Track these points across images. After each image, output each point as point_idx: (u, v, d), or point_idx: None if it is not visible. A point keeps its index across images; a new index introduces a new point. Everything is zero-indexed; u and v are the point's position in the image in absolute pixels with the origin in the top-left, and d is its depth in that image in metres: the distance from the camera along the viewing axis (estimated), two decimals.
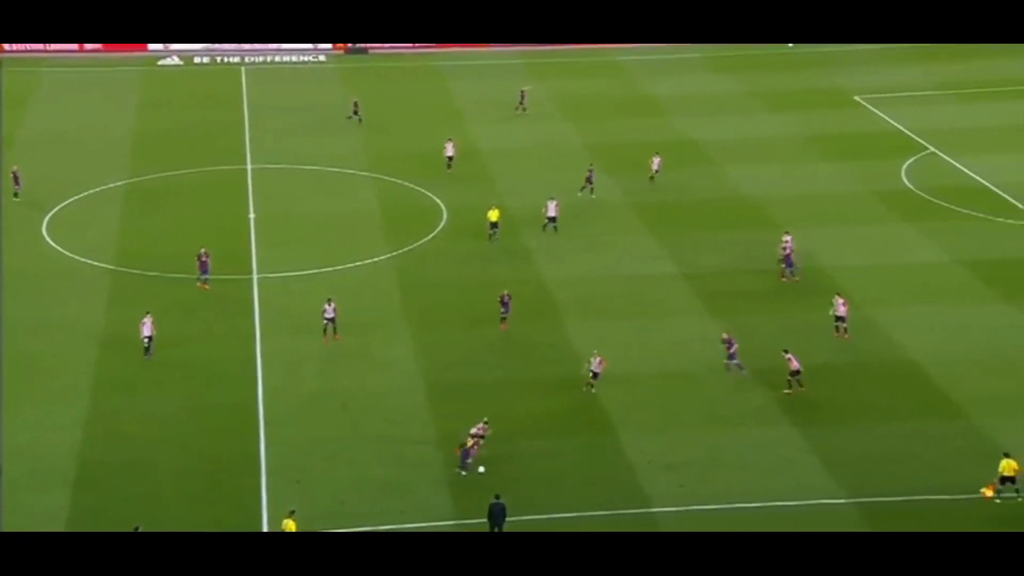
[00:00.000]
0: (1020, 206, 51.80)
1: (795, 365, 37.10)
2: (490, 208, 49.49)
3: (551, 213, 49.30)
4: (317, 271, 46.46)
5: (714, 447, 34.95)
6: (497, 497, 31.19)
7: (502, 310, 41.56)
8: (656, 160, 54.74)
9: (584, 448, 34.91)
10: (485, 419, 34.50)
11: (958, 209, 51.61)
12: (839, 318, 40.74)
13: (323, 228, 50.74)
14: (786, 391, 37.05)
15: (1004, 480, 32.16)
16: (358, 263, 47.25)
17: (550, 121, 64.57)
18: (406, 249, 48.54)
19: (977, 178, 55.32)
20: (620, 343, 40.46)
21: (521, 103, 65.61)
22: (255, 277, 45.86)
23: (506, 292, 42.02)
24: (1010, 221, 50.47)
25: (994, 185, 54.29)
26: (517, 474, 33.65)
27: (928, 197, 53.28)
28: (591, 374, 37.50)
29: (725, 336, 38.79)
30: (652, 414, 36.60)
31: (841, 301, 40.95)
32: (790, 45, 74.51)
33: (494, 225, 48.75)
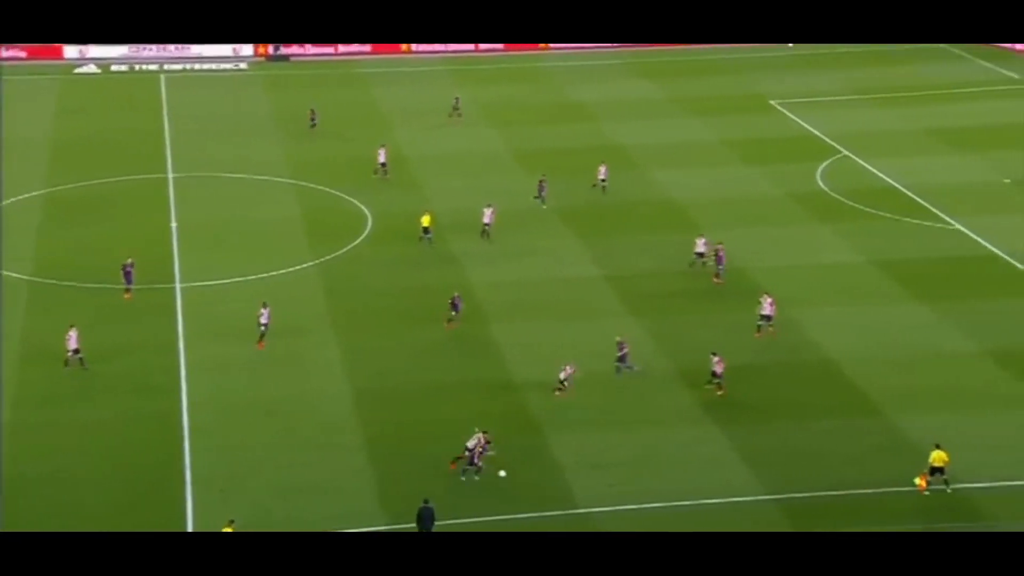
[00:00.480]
0: (929, 207, 53.18)
1: (719, 368, 37.58)
2: (422, 213, 49.50)
3: (486, 220, 49.54)
4: (241, 279, 46.15)
5: (641, 447, 35.37)
6: (426, 501, 31.28)
7: (452, 312, 41.68)
8: (602, 168, 55.05)
9: (513, 450, 35.11)
10: (482, 431, 34.14)
11: (870, 211, 52.86)
12: (765, 317, 41.45)
13: (246, 236, 50.41)
14: (719, 393, 37.47)
15: (934, 471, 32.82)
16: (282, 270, 47.02)
17: (476, 127, 64.78)
18: (331, 256, 48.40)
19: (888, 180, 56.68)
20: (548, 346, 40.77)
21: (456, 109, 65.73)
22: (178, 286, 45.42)
23: (457, 294, 42.19)
24: (920, 222, 51.79)
25: (904, 187, 55.67)
26: (445, 478, 33.74)
27: (842, 199, 54.47)
28: (560, 381, 37.62)
29: (619, 339, 39.08)
30: (580, 415, 36.95)
31: (769, 300, 41.70)
32: (707, 47, 75.51)
33: (426, 230, 48.80)
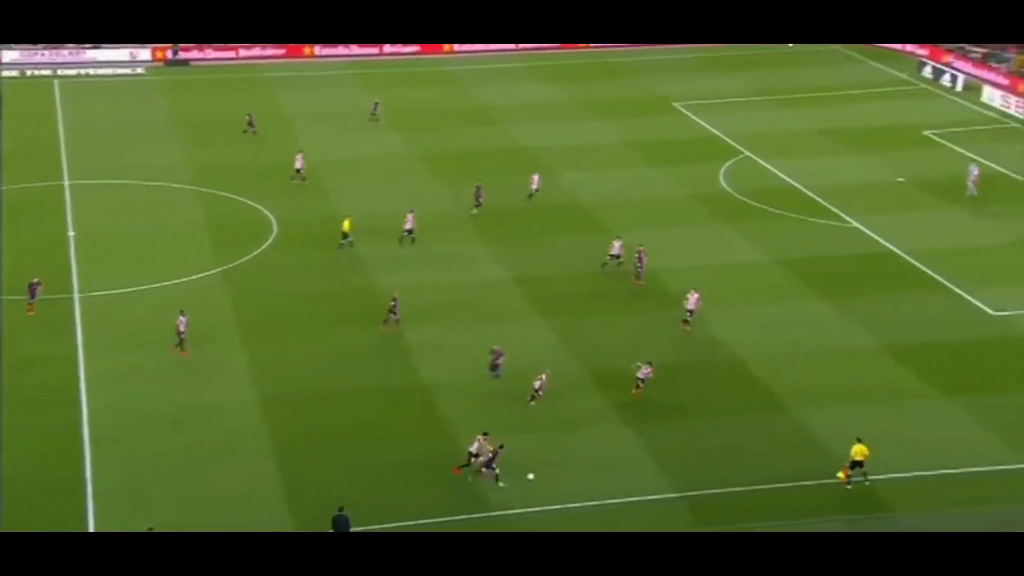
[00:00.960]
0: (828, 206, 54.32)
1: (643, 373, 37.60)
2: (341, 218, 49.09)
3: (408, 225, 49.19)
4: (142, 287, 45.26)
5: (554, 449, 35.49)
6: (340, 509, 30.99)
7: (391, 315, 41.50)
8: (535, 177, 54.85)
9: (424, 456, 34.99)
10: (481, 434, 34.09)
11: (773, 210, 53.80)
12: (689, 311, 41.97)
13: (147, 244, 49.44)
14: (634, 391, 37.63)
15: (854, 464, 33.41)
16: (186, 278, 46.22)
17: (383, 132, 64.47)
18: (236, 263, 47.72)
19: (788, 180, 57.76)
20: (459, 349, 40.71)
21: (374, 114, 65.26)
22: (76, 296, 44.35)
23: (395, 296, 42.01)
24: (820, 221, 52.88)
25: (804, 187, 56.77)
26: (357, 484, 33.49)
27: (745, 199, 55.37)
28: (535, 390, 37.12)
29: (495, 348, 38.64)
30: (491, 419, 36.95)
31: (695, 296, 42.14)
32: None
33: (346, 235, 48.42)
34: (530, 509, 32.47)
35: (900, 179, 57.59)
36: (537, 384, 37.39)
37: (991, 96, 70.22)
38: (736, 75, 76.87)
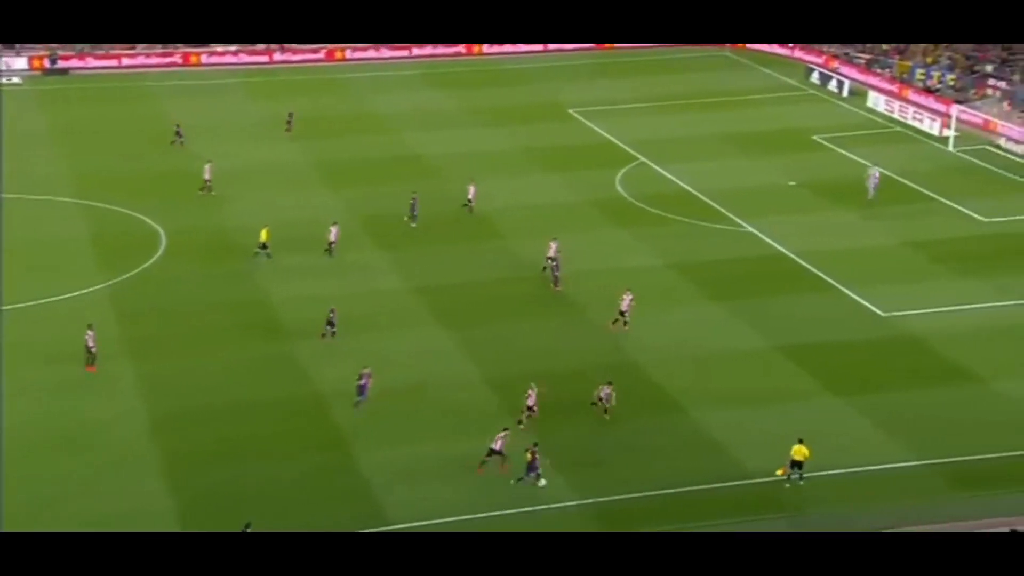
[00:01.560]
0: (722, 210, 55.30)
1: (531, 401, 37.21)
2: (260, 228, 48.67)
3: (332, 238, 48.66)
4: (25, 304, 44.01)
5: (451, 458, 35.43)
6: (247, 526, 30.57)
7: (330, 327, 41.17)
8: (471, 188, 54.50)
9: (317, 468, 34.68)
10: (503, 429, 34.26)
11: (668, 215, 54.57)
12: (622, 312, 42.49)
13: (28, 259, 48.11)
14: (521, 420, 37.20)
15: (794, 464, 34.06)
16: (70, 294, 45.09)
17: (277, 141, 63.80)
18: (123, 277, 46.72)
19: (683, 185, 58.67)
20: (354, 359, 40.43)
21: (289, 123, 64.14)
22: None
23: (332, 309, 41.76)
24: (714, 225, 53.80)
25: (698, 191, 57.71)
26: (252, 499, 33.02)
27: (640, 204, 56.08)
28: (528, 407, 36.61)
29: (364, 371, 37.61)
30: (389, 429, 36.77)
31: (629, 297, 42.68)
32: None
33: (263, 245, 47.88)
34: (422, 523, 32.32)
35: (792, 183, 58.91)
36: (530, 401, 36.87)
37: (876, 101, 72.31)
38: (629, 81, 77.82)
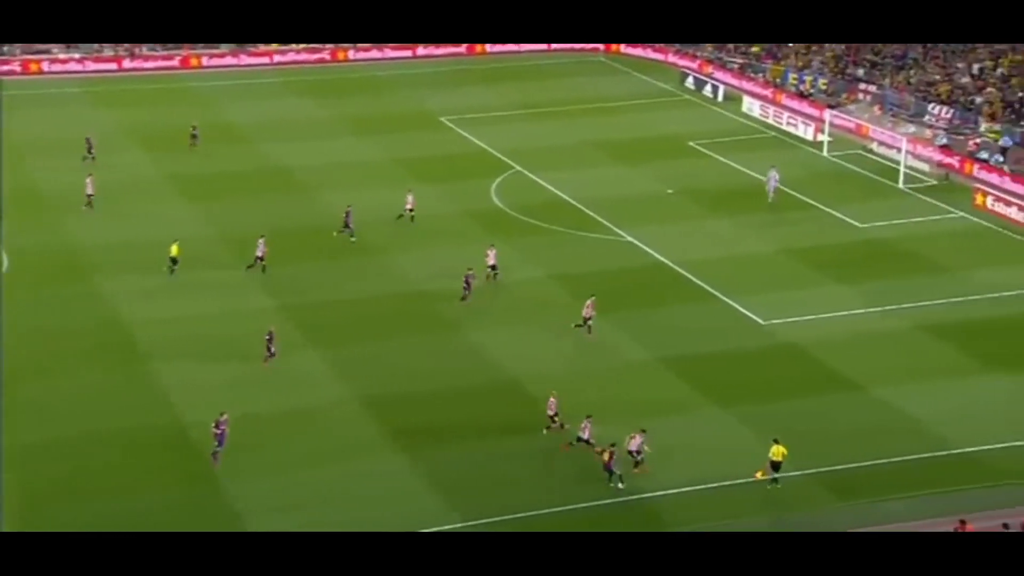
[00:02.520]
0: (600, 219, 55.75)
1: (552, 410, 37.16)
2: (170, 243, 47.73)
3: (259, 252, 47.83)
4: None
5: (326, 484, 34.88)
6: None
7: (268, 351, 40.53)
8: (410, 197, 53.75)
9: (183, 502, 33.77)
10: (588, 416, 35.48)
11: (545, 225, 54.80)
12: (586, 319, 43.15)
13: None
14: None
15: (773, 465, 34.93)
16: None
17: (127, 153, 62.23)
18: None
19: (560, 194, 59.00)
20: (211, 385, 39.55)
21: (193, 136, 62.41)
22: None
23: (271, 329, 41.04)
24: (593, 235, 54.22)
25: (575, 200, 58.13)
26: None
27: (517, 215, 56.23)
28: (550, 417, 37.12)
29: (222, 417, 36.10)
30: (254, 458, 36.02)
31: (589, 303, 43.17)
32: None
33: (174, 260, 46.96)
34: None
35: (669, 191, 59.75)
36: (551, 412, 37.09)
37: (750, 106, 73.91)
38: (501, 87, 78.10)
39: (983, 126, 67.40)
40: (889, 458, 36.88)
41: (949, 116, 69.09)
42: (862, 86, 74.32)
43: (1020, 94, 68.75)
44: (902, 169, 61.36)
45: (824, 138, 66.75)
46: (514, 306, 46.80)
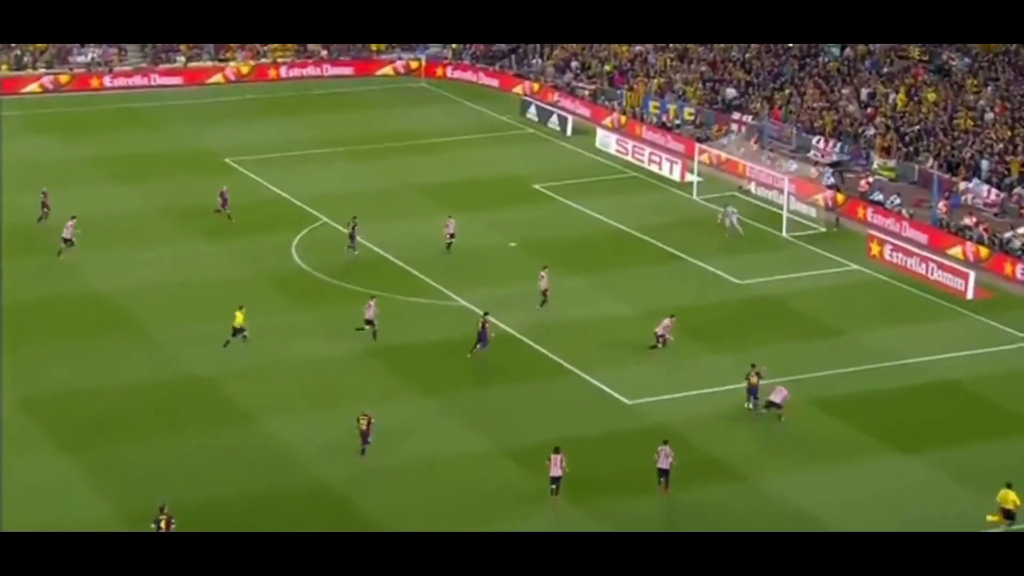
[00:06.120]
0: (429, 281, 56.06)
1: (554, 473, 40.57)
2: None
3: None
4: None
5: None
6: None
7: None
8: (451, 222, 57.55)
9: None
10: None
11: (359, 289, 54.35)
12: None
13: None
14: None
15: (1006, 513, 38.00)
16: None
17: None
18: None
19: (378, 251, 59.03)
20: None
21: (45, 211, 60.75)
22: None
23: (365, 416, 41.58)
24: (418, 299, 54.40)
25: (396, 258, 58.28)
26: None
27: (325, 278, 56.15)
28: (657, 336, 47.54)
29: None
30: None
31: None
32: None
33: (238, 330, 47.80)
34: None
35: (511, 244, 60.67)
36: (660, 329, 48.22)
37: (605, 141, 75.71)
38: (301, 120, 78.51)
39: (876, 162, 70.65)
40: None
41: (836, 151, 72.25)
42: (735, 115, 77.03)
43: (917, 126, 72.19)
44: (785, 214, 63.69)
45: (693, 178, 68.86)
46: (312, 388, 46.84)
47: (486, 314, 49.36)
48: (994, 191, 65.37)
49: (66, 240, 56.49)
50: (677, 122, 77.84)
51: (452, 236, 58.90)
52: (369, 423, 41.81)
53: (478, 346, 48.74)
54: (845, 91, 77.29)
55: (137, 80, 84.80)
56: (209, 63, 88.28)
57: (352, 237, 57.87)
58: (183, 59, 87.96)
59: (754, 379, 45.48)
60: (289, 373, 47.78)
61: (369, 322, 49.46)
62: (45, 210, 60.24)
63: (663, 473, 40.75)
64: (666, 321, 49.79)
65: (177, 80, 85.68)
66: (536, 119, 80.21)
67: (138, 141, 73.42)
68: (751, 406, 45.49)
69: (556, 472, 40.13)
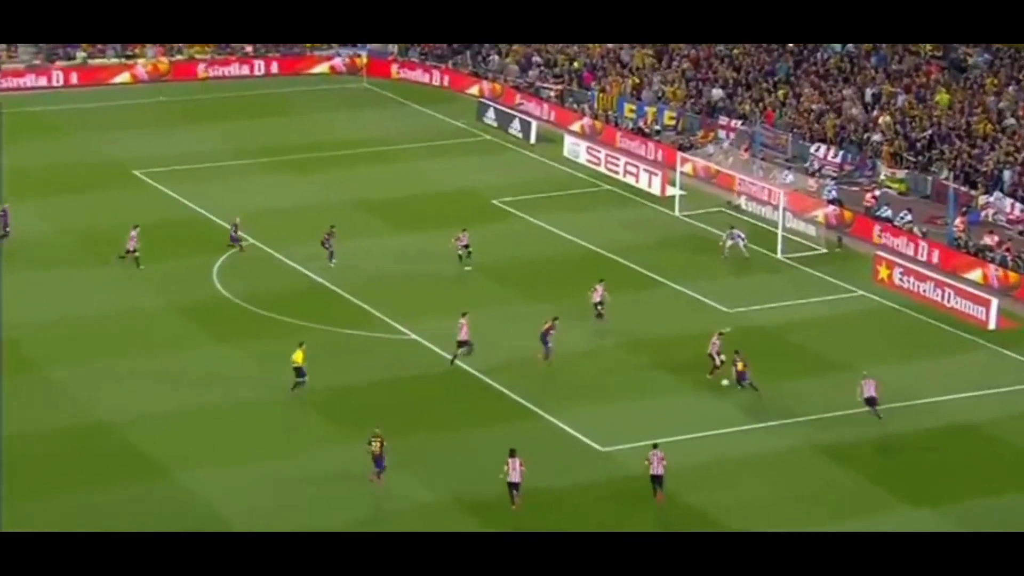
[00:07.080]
0: (371, 310, 56.00)
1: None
2: None
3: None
4: None
5: None
6: None
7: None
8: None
9: None
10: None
11: (293, 321, 54.47)
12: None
13: None
14: None
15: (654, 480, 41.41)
16: None
17: None
18: None
19: (312, 276, 59.01)
20: None
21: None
22: None
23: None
24: (360, 332, 54.37)
25: (335, 285, 58.19)
26: None
27: (248, 307, 55.97)
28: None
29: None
30: None
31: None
32: None
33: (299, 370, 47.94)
34: None
35: (467, 268, 60.66)
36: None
37: (574, 149, 75.75)
38: (222, 127, 78.45)
39: (883, 173, 70.95)
40: None
41: (838, 160, 72.62)
42: (722, 119, 77.30)
43: (930, 131, 72.57)
44: (780, 232, 63.93)
45: (675, 191, 69.03)
46: (239, 435, 46.83)
47: (555, 319, 52.06)
48: (1018, 206, 65.69)
49: (129, 251, 58.78)
50: (656, 127, 78.11)
51: (467, 247, 60.75)
52: (382, 445, 42.50)
53: (542, 353, 51.56)
54: (847, 91, 77.76)
55: (28, 80, 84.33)
56: (115, 60, 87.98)
57: (326, 245, 59.57)
58: (83, 55, 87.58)
59: (740, 365, 48.93)
60: (206, 419, 47.52)
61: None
62: (6, 229, 60.72)
63: (656, 480, 41.95)
64: (714, 340, 51.00)
65: (75, 79, 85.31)
66: (495, 124, 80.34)
67: (31, 151, 72.95)
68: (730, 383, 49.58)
69: (515, 478, 41.11)
